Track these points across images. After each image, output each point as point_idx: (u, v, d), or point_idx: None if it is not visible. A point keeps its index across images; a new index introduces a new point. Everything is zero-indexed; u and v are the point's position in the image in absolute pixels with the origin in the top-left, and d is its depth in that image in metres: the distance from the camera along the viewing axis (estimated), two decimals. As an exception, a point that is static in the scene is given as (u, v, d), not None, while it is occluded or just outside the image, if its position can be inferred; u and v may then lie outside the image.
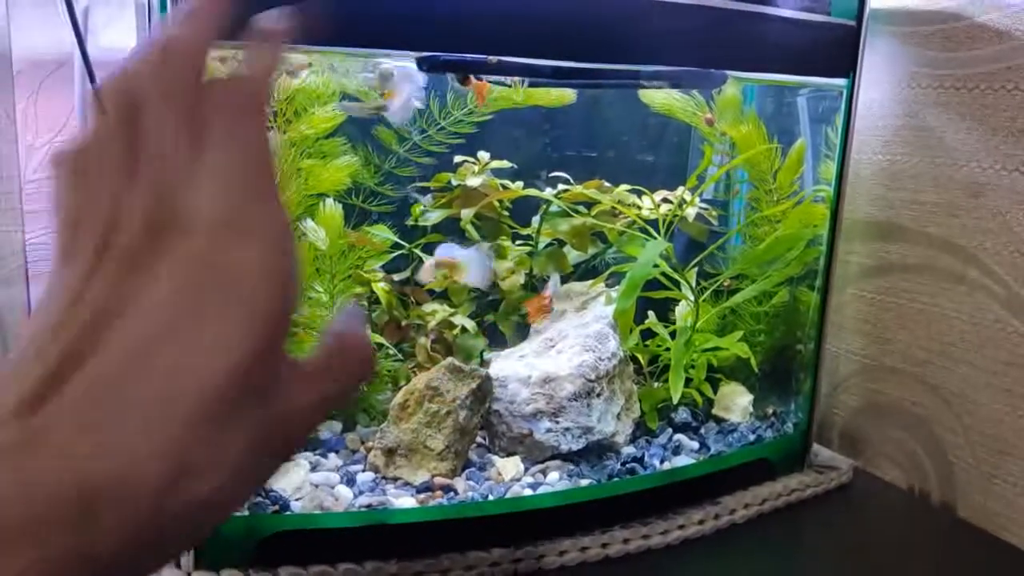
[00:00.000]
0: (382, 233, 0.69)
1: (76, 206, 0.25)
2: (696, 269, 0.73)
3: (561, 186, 0.73)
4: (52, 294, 0.25)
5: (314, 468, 0.61)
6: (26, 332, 0.24)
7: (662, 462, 0.67)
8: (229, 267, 0.24)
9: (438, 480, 0.60)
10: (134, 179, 0.25)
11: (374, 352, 0.31)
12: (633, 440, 0.69)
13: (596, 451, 0.66)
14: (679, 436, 0.71)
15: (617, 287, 0.69)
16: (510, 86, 0.65)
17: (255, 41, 0.29)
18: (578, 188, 0.73)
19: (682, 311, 0.76)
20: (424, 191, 0.71)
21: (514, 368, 0.66)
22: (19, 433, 0.21)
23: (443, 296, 0.73)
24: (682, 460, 0.67)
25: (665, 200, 0.74)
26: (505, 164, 0.72)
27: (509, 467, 0.63)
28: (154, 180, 0.25)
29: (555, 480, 0.62)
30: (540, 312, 0.71)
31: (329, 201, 0.63)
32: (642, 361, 0.75)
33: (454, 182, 0.71)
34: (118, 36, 0.78)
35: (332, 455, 0.63)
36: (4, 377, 0.23)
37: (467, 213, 0.71)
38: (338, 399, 0.28)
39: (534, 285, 0.75)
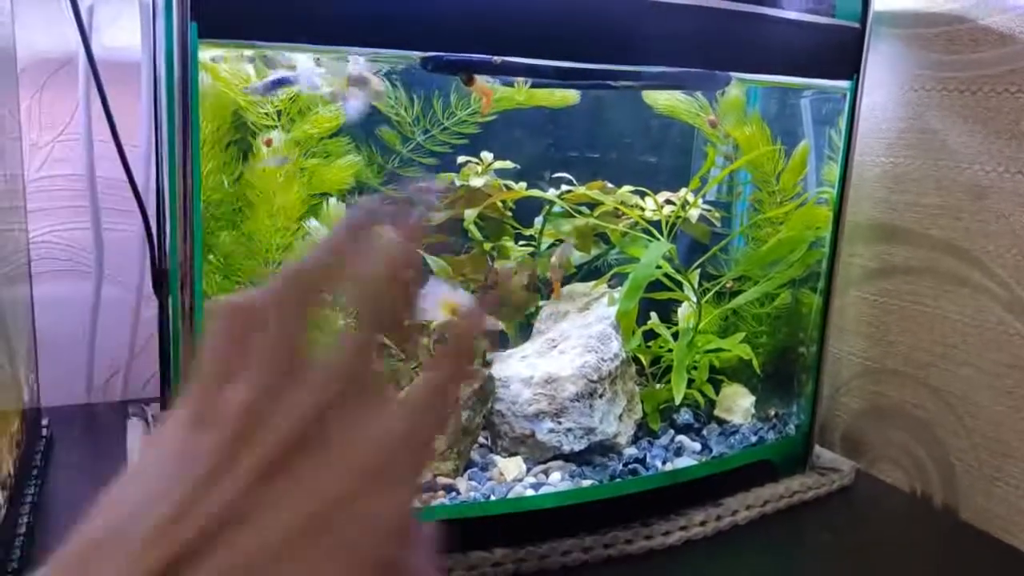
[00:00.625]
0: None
1: (230, 366, 0.24)
2: (699, 270, 0.73)
3: (564, 187, 0.73)
4: (179, 455, 0.23)
5: (316, 467, 0.61)
6: (138, 484, 0.22)
7: (664, 463, 0.67)
8: (358, 512, 0.23)
9: (440, 480, 0.60)
10: (299, 380, 0.24)
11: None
12: (635, 441, 0.69)
13: (598, 452, 0.66)
14: (681, 437, 0.71)
15: (620, 288, 0.69)
16: (514, 86, 0.65)
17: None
18: (581, 189, 0.73)
19: (684, 312, 0.76)
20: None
21: (516, 368, 0.66)
22: None
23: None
24: (684, 461, 0.67)
25: (668, 201, 0.74)
26: (508, 165, 0.72)
27: (511, 467, 0.63)
28: (321, 393, 0.24)
29: (557, 480, 0.62)
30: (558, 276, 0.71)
31: (333, 200, 0.63)
32: (644, 362, 0.75)
33: (457, 182, 0.71)
34: (122, 35, 0.78)
35: (334, 454, 0.63)
36: (114, 538, 0.21)
37: (470, 214, 0.71)
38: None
39: (537, 286, 0.75)
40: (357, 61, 0.59)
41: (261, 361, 0.24)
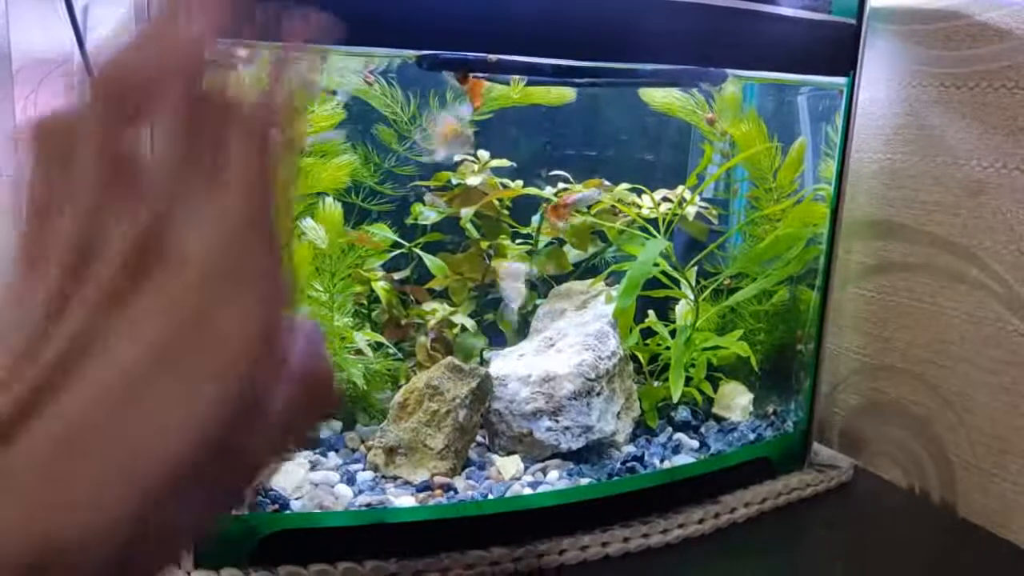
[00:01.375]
0: (382, 232, 0.69)
1: (50, 197, 0.22)
2: (696, 268, 0.73)
3: (561, 185, 0.73)
4: (17, 300, 0.22)
5: (314, 467, 0.61)
6: None
7: (662, 461, 0.67)
8: (216, 323, 0.22)
9: (438, 479, 0.60)
10: (125, 195, 0.22)
11: (335, 379, 0.28)
12: (633, 439, 0.69)
13: (596, 450, 0.66)
14: (679, 435, 0.71)
15: (617, 286, 0.69)
16: (509, 84, 0.65)
17: (278, 51, 0.25)
18: (578, 187, 0.73)
19: (682, 310, 0.76)
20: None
21: (514, 367, 0.66)
22: None
23: (443, 295, 0.73)
24: (682, 459, 0.67)
25: (665, 199, 0.74)
26: (505, 163, 0.72)
27: (509, 466, 0.63)
28: (150, 205, 0.22)
29: (555, 479, 0.62)
30: (560, 213, 0.70)
31: (328, 200, 0.63)
32: (642, 360, 0.75)
33: (454, 180, 0.71)
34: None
35: (332, 454, 0.63)
36: None
37: (467, 212, 0.71)
38: (303, 440, 0.26)
39: (533, 284, 0.75)
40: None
41: (84, 182, 0.22)
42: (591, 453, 0.65)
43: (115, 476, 0.20)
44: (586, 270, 0.77)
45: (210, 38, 0.24)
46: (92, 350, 0.21)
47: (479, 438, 0.66)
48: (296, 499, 0.57)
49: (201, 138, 0.23)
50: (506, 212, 0.75)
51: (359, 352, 0.65)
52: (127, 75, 0.23)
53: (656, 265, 0.69)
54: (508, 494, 0.60)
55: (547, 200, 0.73)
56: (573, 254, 0.75)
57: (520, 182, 0.73)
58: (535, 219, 0.75)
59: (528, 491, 0.61)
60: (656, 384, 0.74)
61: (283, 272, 0.23)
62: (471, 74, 0.61)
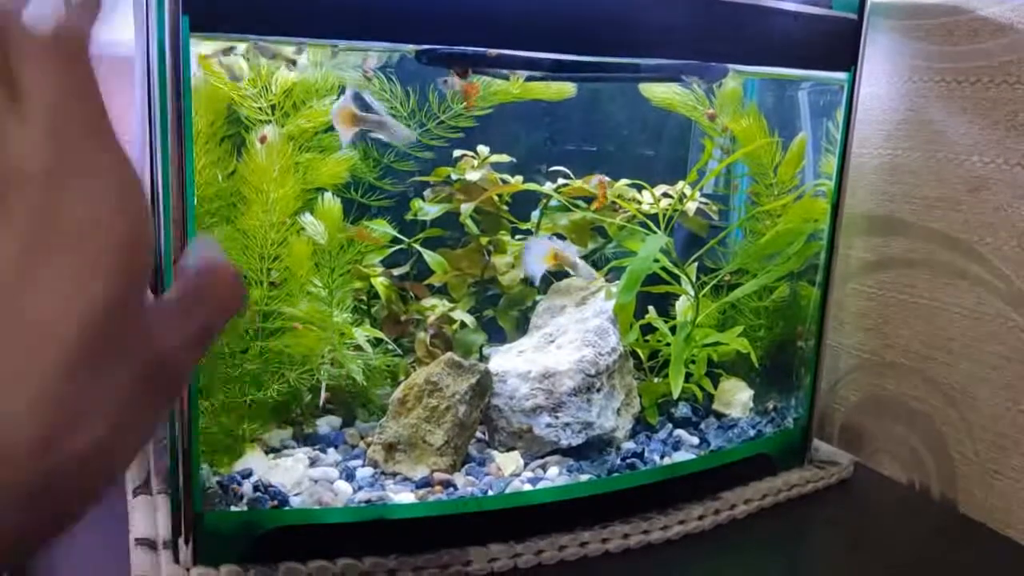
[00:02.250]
0: (381, 228, 0.68)
1: None
2: (696, 264, 0.73)
3: (561, 180, 0.73)
4: None
5: (313, 463, 0.61)
6: None
7: (662, 457, 0.66)
8: (72, 213, 0.23)
9: (437, 475, 0.60)
10: None
11: (242, 279, 0.30)
12: (633, 435, 0.69)
13: (596, 446, 0.65)
14: (679, 431, 0.71)
15: (617, 282, 0.69)
16: (509, 79, 0.65)
17: None
18: (578, 183, 0.72)
19: (682, 306, 0.76)
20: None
21: (514, 363, 0.66)
22: None
23: (443, 291, 0.73)
24: (682, 455, 0.67)
25: (665, 195, 0.73)
26: (504, 158, 0.72)
27: (509, 462, 0.62)
28: None
29: (555, 475, 0.62)
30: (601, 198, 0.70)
31: (327, 195, 0.62)
32: (642, 356, 0.75)
33: (454, 176, 0.71)
34: (115, 29, 0.77)
35: (331, 450, 0.63)
36: None
37: (467, 207, 0.70)
38: (213, 331, 0.28)
39: (533, 280, 0.74)
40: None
41: None
42: (591, 449, 0.65)
43: (14, 375, 0.22)
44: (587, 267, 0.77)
45: None
46: None
47: (479, 434, 0.66)
48: (295, 495, 0.57)
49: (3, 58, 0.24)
50: (506, 208, 0.75)
51: (358, 348, 0.65)
52: None
53: (656, 261, 0.69)
54: (508, 490, 0.60)
55: (547, 196, 0.73)
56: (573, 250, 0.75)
57: (520, 178, 0.73)
58: (535, 214, 0.75)
59: (528, 487, 0.60)
60: (656, 380, 0.74)
61: (121, 152, 0.25)
62: (471, 69, 0.61)
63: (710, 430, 0.72)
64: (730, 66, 0.65)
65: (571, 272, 0.69)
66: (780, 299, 0.76)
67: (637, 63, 0.61)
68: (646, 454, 0.66)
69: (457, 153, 0.71)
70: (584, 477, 0.62)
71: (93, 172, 0.24)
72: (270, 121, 0.59)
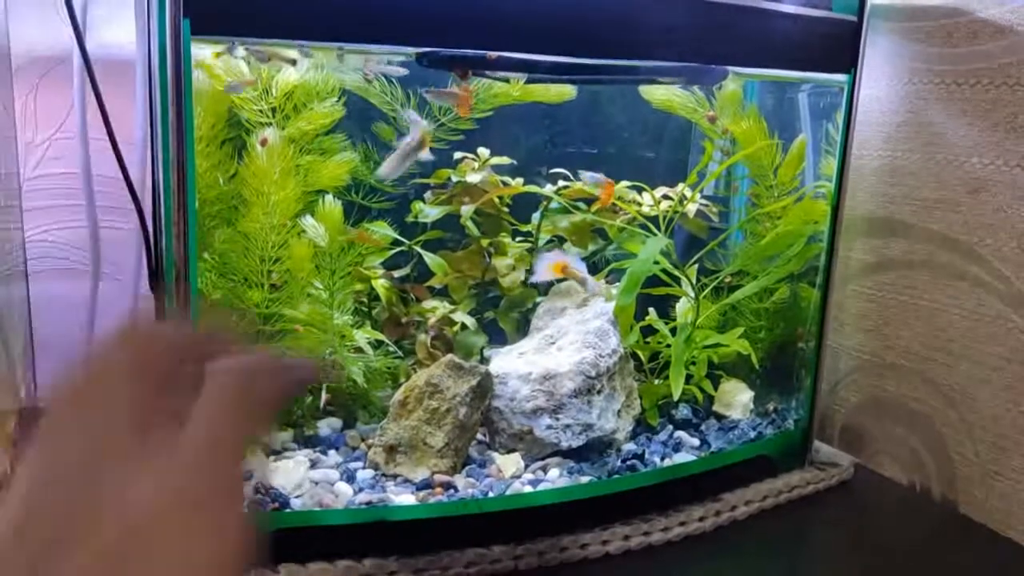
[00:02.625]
0: (382, 230, 0.69)
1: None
2: (697, 265, 0.73)
3: (561, 182, 0.73)
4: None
5: (314, 465, 0.61)
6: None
7: (663, 459, 0.66)
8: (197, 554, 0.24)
9: (438, 477, 0.60)
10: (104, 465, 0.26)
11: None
12: (634, 437, 0.69)
13: (596, 448, 0.65)
14: (680, 433, 0.71)
15: (617, 284, 0.69)
16: (509, 82, 0.65)
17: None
18: (578, 184, 0.73)
19: (683, 308, 0.76)
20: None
21: (514, 365, 0.66)
22: None
23: (443, 293, 0.73)
24: (683, 457, 0.67)
25: (665, 196, 0.73)
26: (505, 160, 0.72)
27: (509, 464, 0.63)
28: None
29: (555, 477, 0.62)
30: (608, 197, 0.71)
31: (328, 197, 0.63)
32: (643, 358, 0.75)
33: (454, 178, 0.71)
34: (116, 32, 0.78)
35: (332, 452, 0.63)
36: None
37: (467, 209, 0.70)
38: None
39: (534, 283, 0.74)
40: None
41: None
42: (592, 451, 0.65)
43: None
44: (587, 268, 0.77)
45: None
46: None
47: (479, 436, 0.66)
48: (296, 497, 0.57)
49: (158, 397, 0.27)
50: (506, 210, 0.75)
51: (359, 350, 0.65)
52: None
53: (656, 263, 0.69)
54: (508, 492, 0.60)
55: (547, 198, 0.73)
56: (573, 252, 0.75)
57: (520, 180, 0.73)
58: (535, 216, 0.75)
59: (528, 489, 0.61)
60: (657, 382, 0.74)
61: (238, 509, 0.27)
62: (471, 71, 0.61)
63: (710, 431, 0.72)
64: (730, 68, 0.65)
65: (580, 288, 0.70)
66: (780, 301, 0.76)
67: (637, 65, 0.62)
68: (647, 456, 0.66)
69: (458, 155, 0.71)
70: (585, 479, 0.62)
71: (218, 523, 0.25)
72: (271, 124, 0.59)
